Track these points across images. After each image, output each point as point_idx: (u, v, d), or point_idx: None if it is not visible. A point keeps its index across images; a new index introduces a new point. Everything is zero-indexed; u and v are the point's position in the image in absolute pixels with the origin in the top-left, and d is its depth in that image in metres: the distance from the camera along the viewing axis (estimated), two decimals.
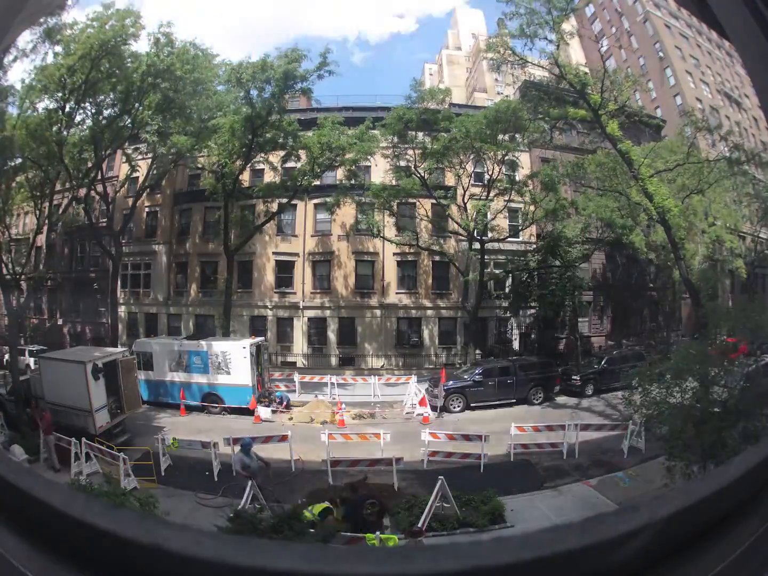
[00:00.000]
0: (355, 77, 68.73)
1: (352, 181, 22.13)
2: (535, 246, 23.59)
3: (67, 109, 18.78)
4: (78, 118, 19.82)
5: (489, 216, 21.57)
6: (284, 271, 24.68)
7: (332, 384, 19.05)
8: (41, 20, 15.17)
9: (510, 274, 23.31)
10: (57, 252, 27.21)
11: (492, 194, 21.64)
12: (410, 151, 21.96)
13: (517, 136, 22.25)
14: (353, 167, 21.95)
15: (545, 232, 22.97)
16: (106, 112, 20.34)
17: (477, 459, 12.06)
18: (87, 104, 19.77)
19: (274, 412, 16.83)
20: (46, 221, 19.90)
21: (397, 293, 24.45)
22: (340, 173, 23.06)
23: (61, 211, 21.70)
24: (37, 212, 19.46)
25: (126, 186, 24.56)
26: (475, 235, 21.68)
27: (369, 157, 21.81)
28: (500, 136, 21.19)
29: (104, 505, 1.27)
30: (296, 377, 19.32)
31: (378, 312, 24.24)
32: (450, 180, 22.92)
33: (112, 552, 0.87)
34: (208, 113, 20.83)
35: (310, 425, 15.62)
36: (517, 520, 9.60)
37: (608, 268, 26.22)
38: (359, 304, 24.31)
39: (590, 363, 20.35)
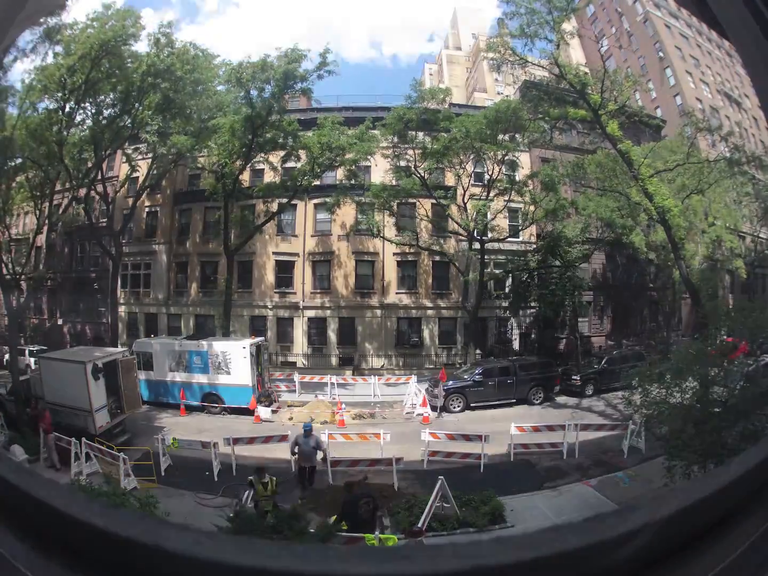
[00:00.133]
0: (356, 77, 68.88)
1: (352, 181, 22.13)
2: (535, 246, 23.60)
3: (67, 109, 18.78)
4: (78, 118, 19.84)
5: (489, 216, 21.57)
6: (284, 271, 24.69)
7: (332, 384, 19.07)
8: (41, 20, 15.16)
9: (510, 274, 23.31)
10: (57, 252, 27.21)
11: (492, 194, 21.64)
12: (410, 151, 21.96)
13: (517, 136, 22.25)
14: (353, 167, 21.95)
15: (545, 232, 22.98)
16: (106, 112, 20.34)
17: (477, 459, 12.06)
18: (87, 104, 19.78)
19: (274, 412, 16.84)
20: (46, 221, 19.89)
21: (397, 293, 24.45)
22: (340, 173, 23.07)
23: (61, 211, 21.69)
24: (37, 212, 19.45)
25: (126, 186, 24.55)
26: (475, 235, 21.68)
27: (369, 157, 21.81)
28: (500, 136, 21.19)
29: (104, 505, 1.27)
30: (296, 377, 19.33)
31: (378, 312, 24.25)
32: (450, 180, 22.93)
33: (112, 552, 0.87)
34: (208, 113, 20.83)
35: None
36: (517, 520, 9.61)
37: (608, 268, 26.22)
38: (359, 304, 24.32)
39: (590, 363, 20.35)
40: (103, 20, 18.05)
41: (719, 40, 29.09)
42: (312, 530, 7.89)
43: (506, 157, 21.93)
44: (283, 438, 12.60)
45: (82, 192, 21.98)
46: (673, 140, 23.87)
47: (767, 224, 27.77)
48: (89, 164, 21.24)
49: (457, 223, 21.86)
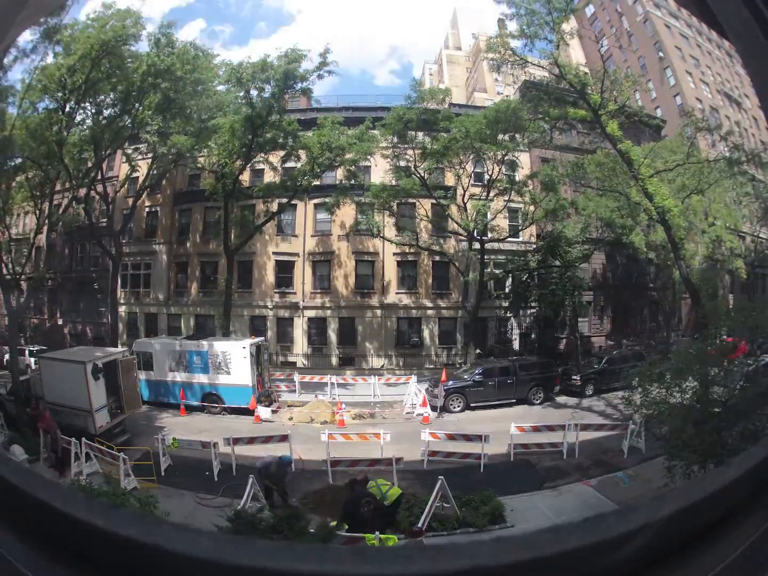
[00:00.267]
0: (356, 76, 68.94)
1: (352, 181, 22.12)
2: (535, 246, 23.59)
3: (67, 109, 18.76)
4: (78, 118, 19.83)
5: (489, 216, 21.57)
6: (284, 271, 24.69)
7: (332, 384, 19.07)
8: (41, 20, 15.14)
9: (510, 274, 23.31)
10: (57, 252, 27.20)
11: (492, 194, 21.64)
12: (410, 151, 21.95)
13: (517, 136, 22.24)
14: (353, 167, 21.94)
15: (545, 232, 22.98)
16: (106, 112, 20.33)
17: (477, 459, 12.07)
18: (87, 104, 19.77)
19: (274, 412, 16.84)
20: (46, 221, 19.86)
21: (397, 293, 24.45)
22: (340, 173, 23.06)
23: (61, 211, 21.65)
24: (37, 212, 19.42)
25: (126, 186, 24.55)
26: (475, 235, 21.68)
27: (369, 157, 21.80)
28: (500, 136, 21.18)
29: (104, 505, 1.27)
30: (296, 377, 19.33)
31: (378, 312, 24.25)
32: (450, 180, 22.92)
33: (112, 552, 0.87)
34: (208, 113, 20.83)
35: (310, 425, 15.63)
36: (517, 520, 9.61)
37: (608, 268, 26.22)
38: (359, 304, 24.32)
39: (590, 363, 20.35)
40: (103, 20, 18.04)
41: (719, 40, 29.10)
42: (312, 530, 7.90)
43: (506, 157, 21.92)
44: (283, 438, 12.59)
45: (82, 192, 21.97)
46: (673, 140, 23.86)
47: (767, 224, 27.76)
48: (89, 164, 21.23)
49: (457, 223, 21.86)
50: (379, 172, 22.95)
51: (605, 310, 26.08)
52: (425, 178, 21.90)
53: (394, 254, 24.24)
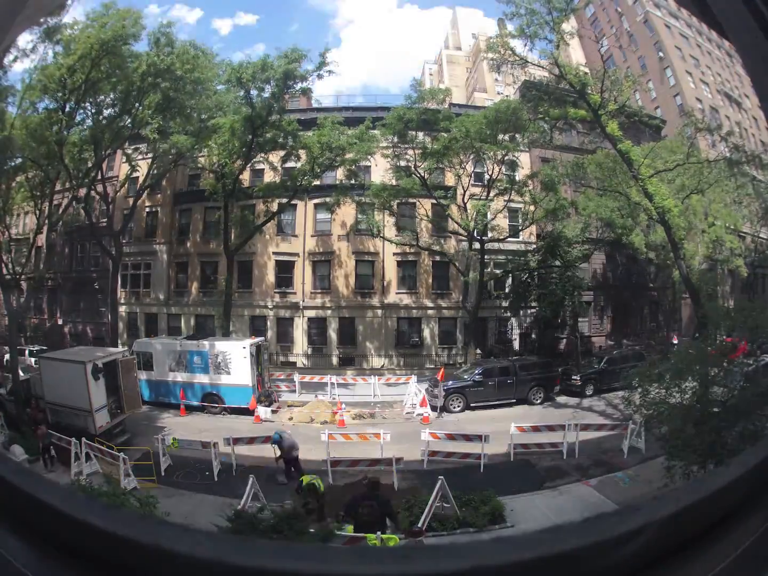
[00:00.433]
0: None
1: (352, 181, 22.13)
2: (535, 246, 23.59)
3: (67, 108, 18.75)
4: (78, 117, 19.80)
5: (489, 216, 21.56)
6: (284, 271, 24.68)
7: (332, 384, 19.06)
8: (41, 20, 15.15)
9: (510, 274, 23.31)
10: (57, 252, 27.22)
11: (492, 194, 21.63)
12: (410, 151, 21.94)
13: (517, 136, 22.22)
14: (353, 167, 21.95)
15: (545, 232, 22.98)
16: (106, 112, 20.33)
17: (477, 459, 12.06)
18: (87, 104, 19.75)
19: (274, 412, 16.84)
20: (46, 221, 19.87)
21: (397, 293, 24.45)
22: (340, 173, 23.05)
23: (61, 211, 21.68)
24: (37, 212, 19.43)
25: (126, 186, 24.53)
26: (475, 235, 21.68)
27: (369, 157, 21.80)
28: (500, 136, 21.18)
29: (104, 505, 1.27)
30: (296, 377, 19.33)
31: (378, 312, 24.25)
32: (450, 180, 22.92)
33: (112, 552, 0.87)
34: (208, 113, 20.82)
35: (310, 425, 15.63)
36: (517, 520, 9.60)
37: (608, 268, 26.22)
38: (359, 304, 24.32)
39: (590, 363, 20.34)
40: (103, 20, 18.04)
41: (719, 40, 29.09)
42: (312, 530, 7.90)
43: (506, 157, 21.92)
44: None
45: (82, 192, 21.96)
46: (673, 140, 23.84)
47: (767, 224, 27.76)
48: (89, 164, 21.20)
49: (457, 223, 21.86)
50: (380, 172, 22.93)
51: (605, 310, 26.08)
52: (425, 177, 21.90)
53: (395, 254, 24.24)
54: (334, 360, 23.86)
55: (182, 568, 0.84)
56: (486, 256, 22.30)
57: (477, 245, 21.90)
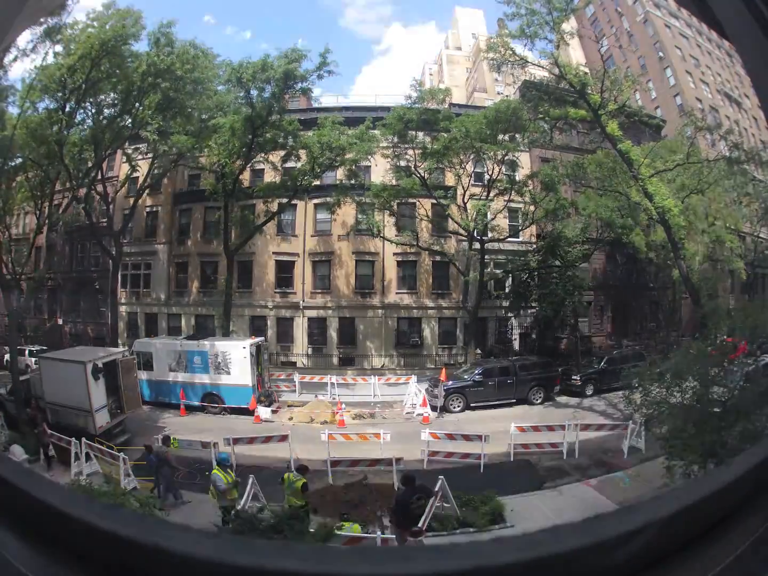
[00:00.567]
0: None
1: (352, 181, 22.12)
2: (535, 246, 23.59)
3: (68, 108, 18.76)
4: (78, 117, 19.82)
5: (489, 216, 21.56)
6: (284, 270, 24.69)
7: (332, 384, 19.06)
8: (41, 20, 15.15)
9: (510, 274, 23.30)
10: (57, 252, 27.23)
11: (492, 194, 21.64)
12: (410, 151, 21.94)
13: (517, 136, 22.23)
14: (353, 167, 21.94)
15: (545, 232, 22.97)
16: (106, 112, 20.34)
17: (477, 459, 12.06)
18: (87, 104, 19.76)
19: (274, 412, 16.85)
20: (46, 221, 19.88)
21: (397, 293, 24.45)
22: (340, 173, 23.05)
23: (61, 211, 21.67)
24: (37, 212, 19.44)
25: (126, 186, 24.55)
26: (475, 235, 21.67)
27: (369, 157, 21.79)
28: (500, 136, 21.18)
29: (104, 505, 1.27)
30: (296, 377, 19.33)
31: (379, 312, 24.25)
32: (450, 180, 22.91)
33: (112, 552, 0.87)
34: (208, 113, 20.83)
35: (310, 425, 15.63)
36: (517, 520, 9.60)
37: (608, 268, 26.22)
38: (360, 304, 24.32)
39: (590, 363, 20.35)
40: (103, 20, 18.04)
41: (719, 40, 29.06)
42: (312, 530, 7.90)
43: (506, 157, 21.92)
44: (283, 438, 12.59)
45: (82, 192, 21.95)
46: (673, 140, 23.82)
47: (767, 224, 27.75)
48: (89, 164, 21.21)
49: (457, 223, 21.85)
50: (380, 172, 22.93)
51: (605, 310, 26.08)
52: (425, 177, 21.90)
53: (395, 254, 24.24)
54: (334, 360, 23.86)
55: (182, 568, 0.84)
56: (486, 256, 22.30)
57: (477, 245, 21.90)
